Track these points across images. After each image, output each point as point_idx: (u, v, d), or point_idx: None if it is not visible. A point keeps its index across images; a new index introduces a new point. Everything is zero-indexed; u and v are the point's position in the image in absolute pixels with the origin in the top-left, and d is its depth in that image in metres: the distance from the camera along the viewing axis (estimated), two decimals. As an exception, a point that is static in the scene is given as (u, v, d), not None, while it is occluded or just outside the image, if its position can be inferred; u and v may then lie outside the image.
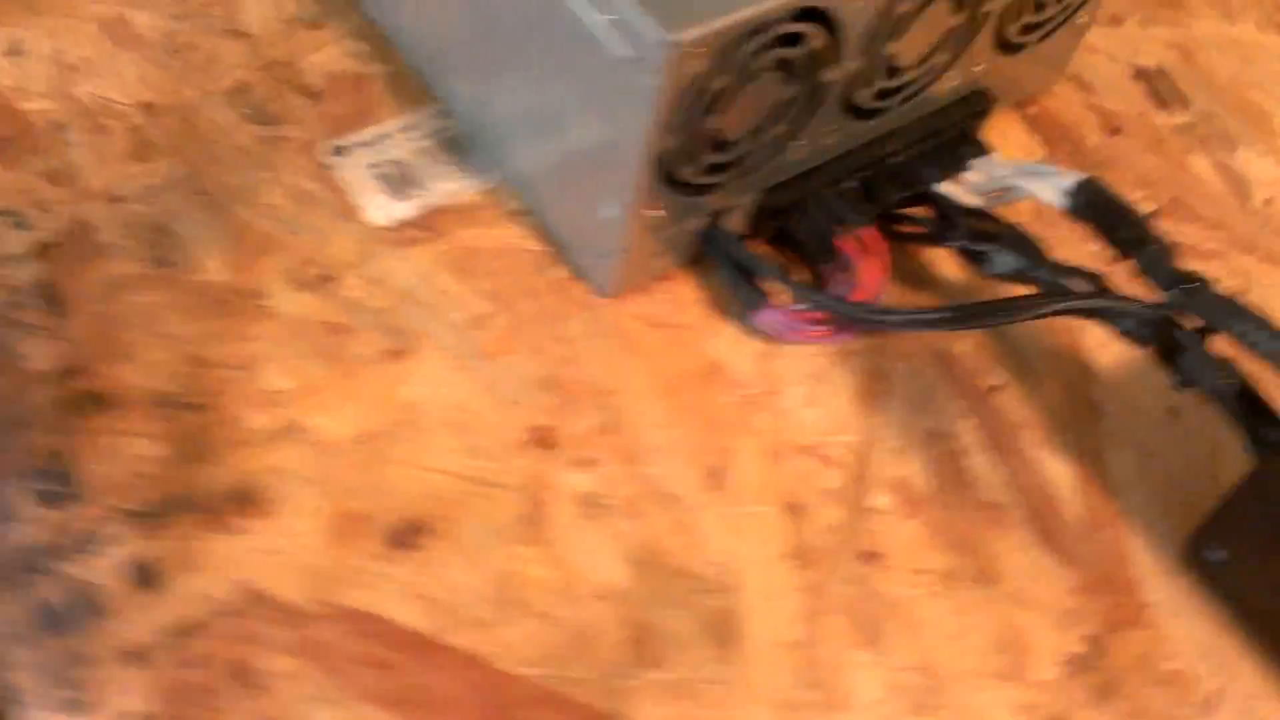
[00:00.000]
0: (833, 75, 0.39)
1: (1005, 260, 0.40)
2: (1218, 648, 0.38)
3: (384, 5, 0.48)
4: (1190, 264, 0.45)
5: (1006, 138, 0.50)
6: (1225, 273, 0.47)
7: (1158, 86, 0.53)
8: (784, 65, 0.37)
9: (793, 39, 0.37)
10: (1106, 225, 0.40)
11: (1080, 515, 0.40)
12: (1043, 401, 0.42)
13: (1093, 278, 0.40)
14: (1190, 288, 0.36)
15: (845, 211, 0.43)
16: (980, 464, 0.41)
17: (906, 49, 0.41)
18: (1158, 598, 0.39)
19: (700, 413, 0.40)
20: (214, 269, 0.41)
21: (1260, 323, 0.34)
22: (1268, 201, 0.50)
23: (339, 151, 0.45)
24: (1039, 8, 0.45)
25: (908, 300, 0.44)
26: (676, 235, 0.42)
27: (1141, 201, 0.49)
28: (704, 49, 0.34)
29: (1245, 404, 0.36)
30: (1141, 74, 0.54)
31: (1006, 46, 0.46)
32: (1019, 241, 0.41)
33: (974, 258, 0.42)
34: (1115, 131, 0.51)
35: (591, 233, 0.41)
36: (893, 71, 0.42)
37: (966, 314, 0.37)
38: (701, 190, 0.40)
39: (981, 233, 0.42)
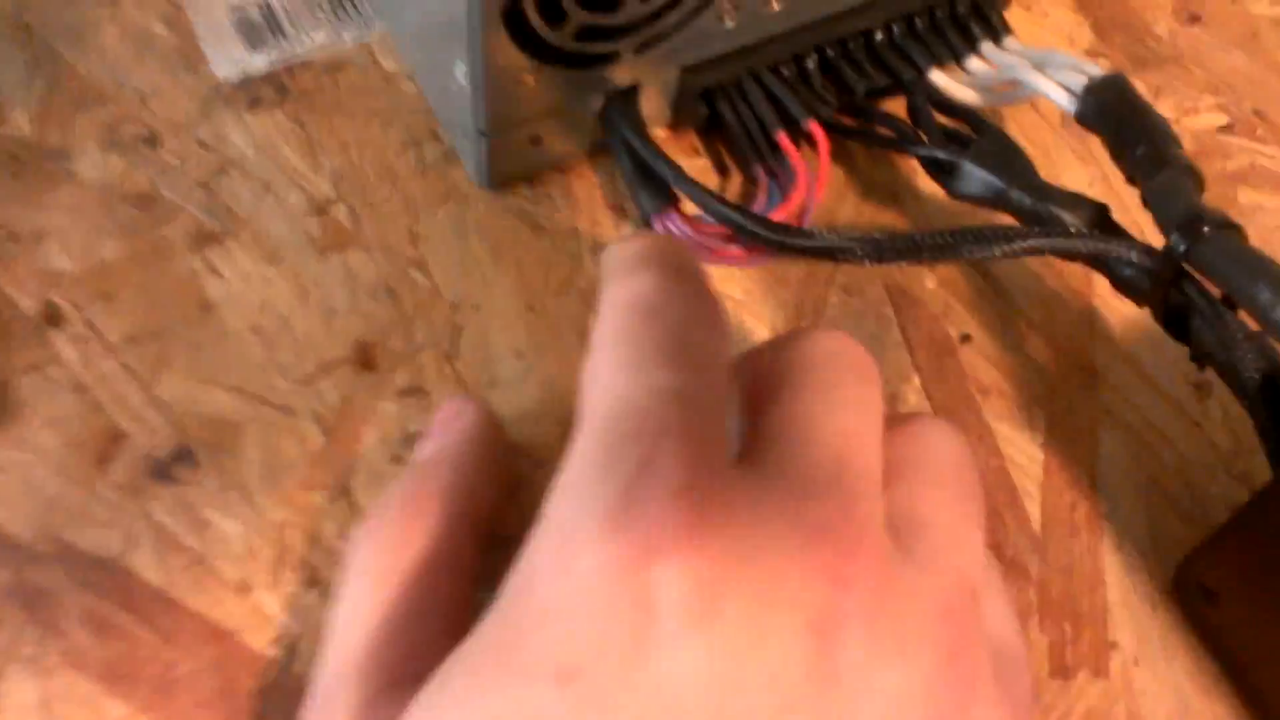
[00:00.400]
0: (756, -88, 0.29)
1: (976, 177, 0.30)
2: (1198, 713, 0.28)
3: None
4: (1259, 198, 0.35)
5: (1045, 18, 0.39)
6: (1306, 214, 0.36)
7: (1267, -36, 0.41)
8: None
9: None
10: (1118, 139, 0.30)
11: (1047, 515, 0.31)
12: (1024, 361, 0.33)
13: (1093, 208, 0.29)
14: (1199, 232, 0.26)
15: (791, 101, 0.34)
16: (920, 437, 0.31)
17: (872, -117, 0.31)
18: (1130, 637, 0.29)
19: (570, 342, 0.32)
20: (19, 121, 0.35)
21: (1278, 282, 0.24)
22: (1389, 122, 0.38)
23: (199, -11, 0.37)
24: None
25: (869, 219, 0.35)
26: (570, 116, 0.33)
27: (1211, 112, 0.37)
28: None
29: (1270, 397, 0.26)
30: (1248, -52, 0.42)
31: (1037, -106, 0.35)
32: (999, 153, 0.31)
33: (939, 171, 0.32)
34: (1194, 20, 0.40)
35: (455, 104, 0.33)
36: (856, -86, 0.32)
37: (882, 248, 0.27)
38: (586, 61, 0.31)
39: (957, 138, 0.32)
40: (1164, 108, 0.37)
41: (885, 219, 0.35)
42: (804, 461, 0.20)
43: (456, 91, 0.32)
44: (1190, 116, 0.37)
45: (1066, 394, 0.32)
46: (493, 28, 0.29)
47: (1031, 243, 0.27)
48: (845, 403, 0.22)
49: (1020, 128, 0.37)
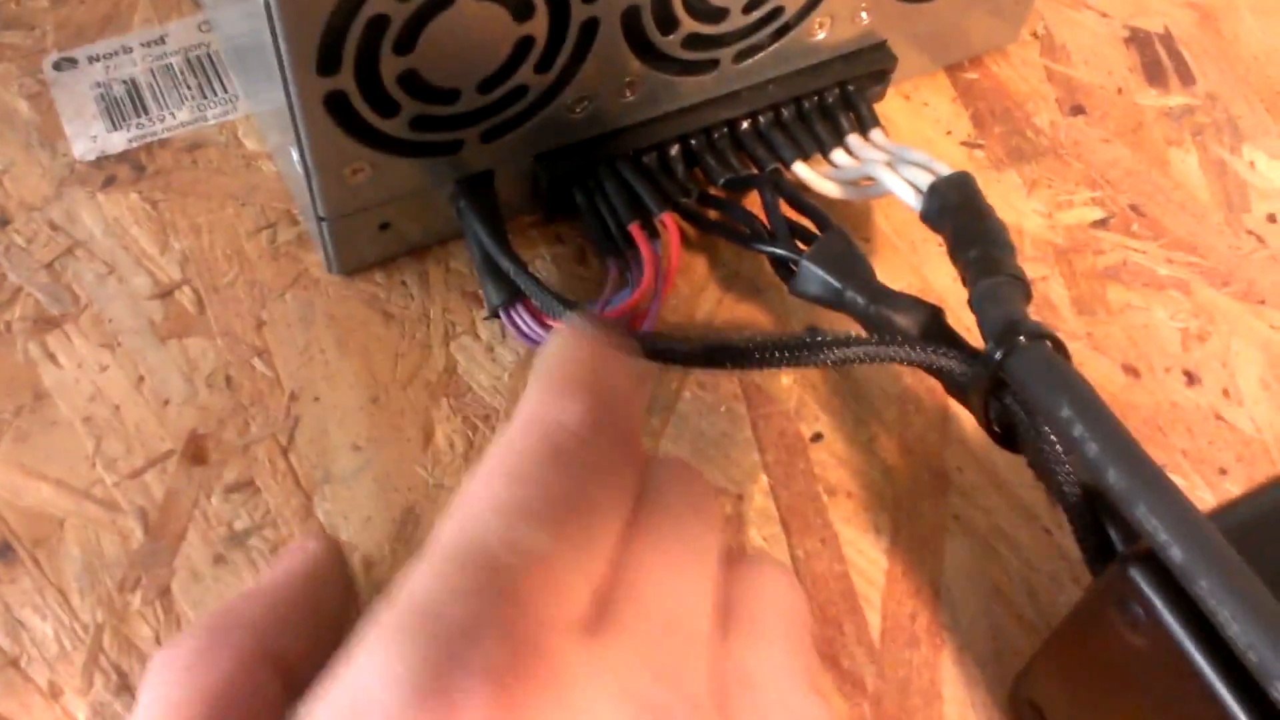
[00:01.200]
0: (593, 13, 0.29)
1: (814, 277, 0.30)
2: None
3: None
4: (1128, 296, 0.34)
5: (925, 108, 0.39)
6: (1179, 311, 0.35)
7: (1155, 55, 0.41)
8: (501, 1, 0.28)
9: (506, -46, 0.27)
10: (956, 240, 0.29)
11: (887, 624, 0.30)
12: (874, 461, 0.32)
13: (927, 311, 0.29)
14: (1014, 343, 0.25)
15: (646, 192, 0.33)
16: (761, 537, 0.31)
17: (716, -19, 0.31)
18: (966, 753, 0.28)
19: (411, 437, 0.31)
20: None
21: (1084, 407, 0.23)
22: (1270, 218, 0.37)
23: (61, 65, 0.37)
24: (942, -63, 0.34)
25: (729, 310, 0.34)
26: (422, 201, 0.33)
27: (1086, 206, 0.37)
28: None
29: (1089, 511, 0.25)
30: (1137, 38, 0.41)
31: (904, -11, 0.35)
32: (838, 254, 0.30)
33: (781, 268, 0.31)
34: (1077, 111, 0.39)
35: (300, 189, 0.32)
36: (704, 13, 0.31)
37: (713, 352, 0.27)
38: (428, 150, 0.31)
39: (807, 237, 0.32)
40: (1038, 201, 0.37)
41: (744, 311, 0.34)
42: (638, 632, 0.19)
43: (297, 177, 0.31)
44: (1064, 210, 0.37)
45: (915, 497, 0.31)
46: (316, 117, 0.28)
47: (856, 350, 0.27)
48: (682, 563, 0.21)
49: (890, 221, 0.36)
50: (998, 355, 0.25)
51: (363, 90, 0.28)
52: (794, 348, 0.26)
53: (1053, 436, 0.25)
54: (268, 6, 0.25)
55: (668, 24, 0.31)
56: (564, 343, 0.23)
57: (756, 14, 0.32)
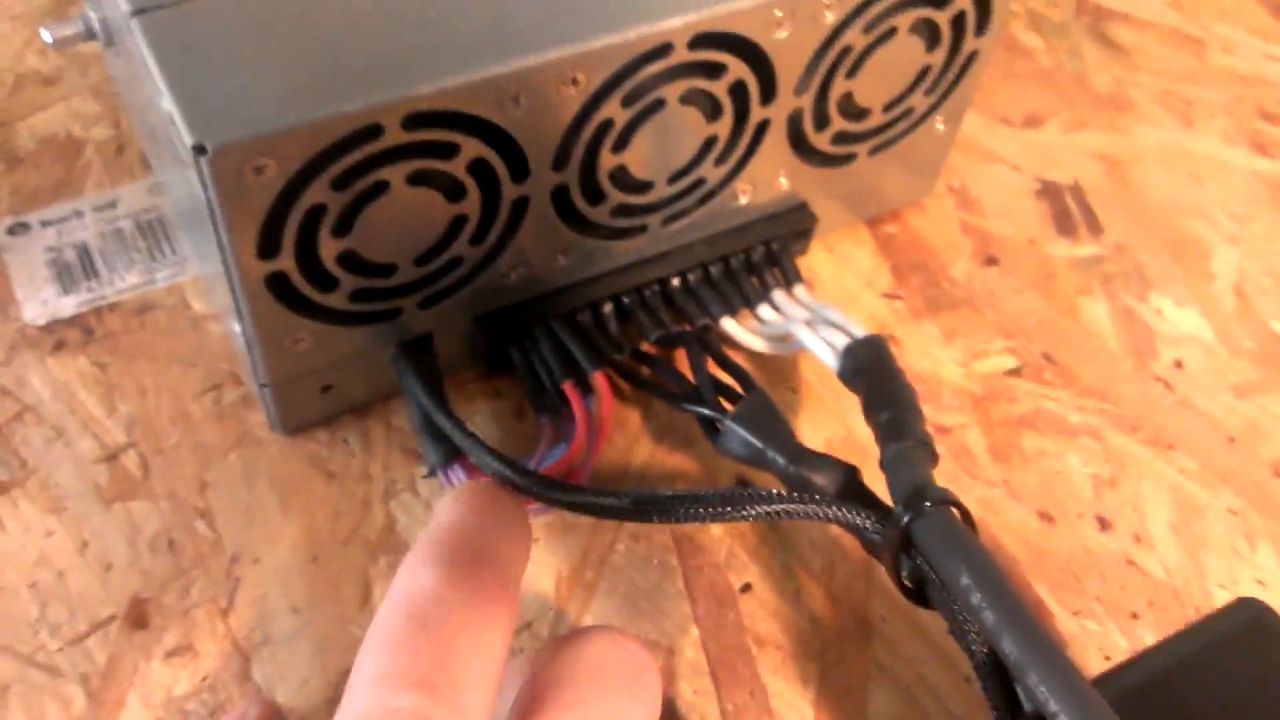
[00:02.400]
0: (523, 192, 0.31)
1: (736, 437, 0.31)
2: None
3: (108, 59, 0.41)
4: (1042, 443, 0.36)
5: (847, 260, 0.41)
6: (1091, 457, 0.37)
7: (1065, 207, 0.43)
8: (430, 180, 0.29)
9: (440, 149, 0.29)
10: (869, 401, 0.31)
11: (816, 774, 0.31)
12: (802, 611, 0.33)
13: (843, 470, 0.30)
14: (920, 507, 0.27)
15: (579, 351, 0.35)
16: (691, 691, 0.31)
17: (641, 162, 0.32)
18: None
19: (349, 596, 0.32)
20: None
21: (982, 576, 0.25)
22: (1176, 364, 0.39)
23: (14, 230, 0.38)
24: (855, 115, 0.36)
25: (660, 463, 0.36)
26: (363, 364, 0.34)
27: (1000, 355, 0.39)
28: (267, 158, 0.26)
29: (995, 671, 0.26)
30: (1048, 190, 0.44)
31: (819, 158, 0.37)
32: (759, 415, 0.31)
33: (707, 428, 0.33)
34: (991, 262, 0.41)
35: (242, 354, 0.33)
36: (630, 186, 0.33)
37: (640, 506, 0.28)
38: (367, 319, 0.32)
39: (732, 396, 0.33)
40: (955, 350, 0.39)
41: (675, 463, 0.36)
42: None
43: (240, 342, 0.32)
44: (980, 360, 0.39)
45: (840, 646, 0.32)
46: (257, 296, 0.29)
47: (777, 508, 0.28)
48: None
49: (815, 372, 0.38)
50: (905, 519, 0.27)
51: (302, 269, 0.29)
52: (718, 503, 0.28)
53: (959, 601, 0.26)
54: (208, 199, 0.26)
55: (596, 197, 0.33)
56: (439, 510, 0.25)
57: (681, 184, 0.34)
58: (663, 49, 0.30)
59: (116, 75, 0.41)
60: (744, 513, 0.28)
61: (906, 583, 0.28)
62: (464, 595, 0.23)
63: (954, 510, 0.27)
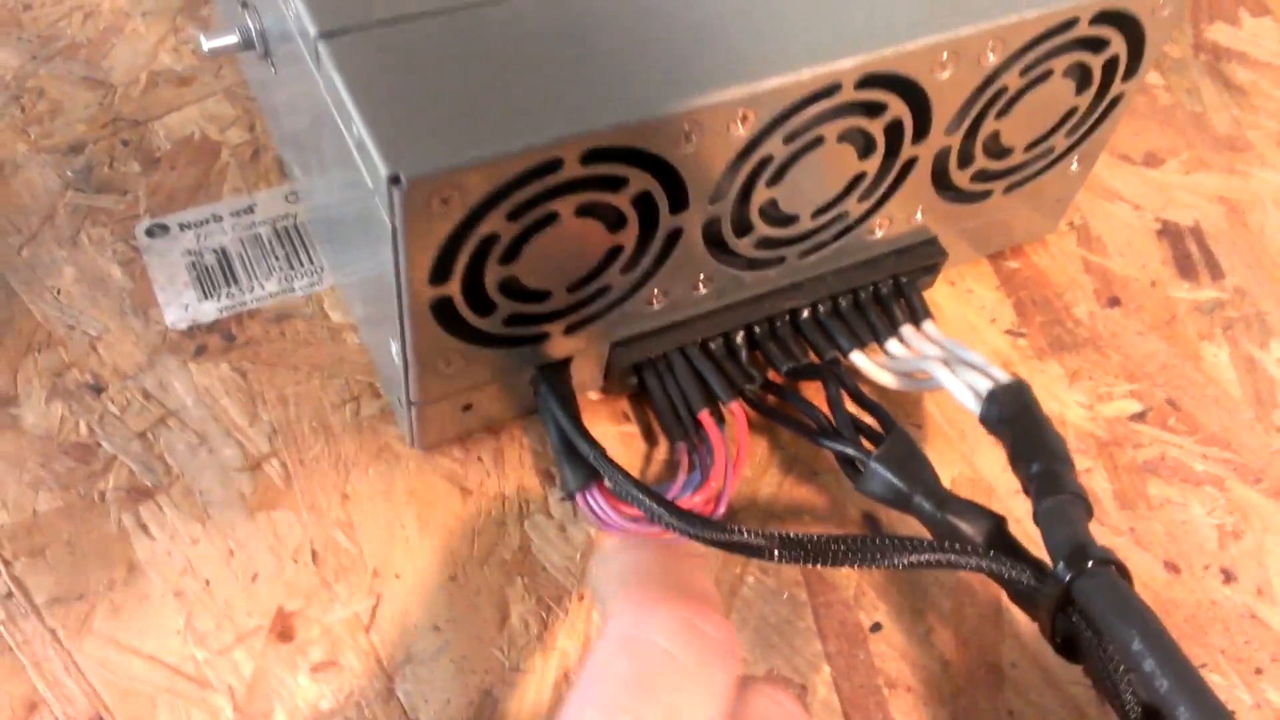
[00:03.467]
0: (678, 224, 0.31)
1: (880, 478, 0.32)
2: None
3: (248, 63, 0.42)
4: (1168, 492, 0.36)
5: (969, 295, 0.41)
6: (1215, 508, 0.37)
7: (1185, 249, 0.43)
8: (594, 211, 0.29)
9: (611, 182, 0.29)
10: (1015, 450, 0.31)
11: (945, 815, 0.31)
12: (932, 654, 0.33)
13: (990, 520, 0.30)
14: (1083, 566, 0.27)
15: (715, 380, 0.35)
16: (825, 729, 0.32)
17: (791, 197, 0.33)
18: None
19: (487, 617, 0.33)
20: (-32, 361, 0.36)
21: (1155, 642, 0.25)
22: (1298, 414, 0.39)
23: (153, 232, 0.39)
24: (998, 154, 0.36)
25: (789, 493, 0.36)
26: (502, 384, 0.34)
27: (1125, 399, 0.39)
28: (454, 190, 0.26)
29: (1151, 730, 0.27)
30: (1169, 231, 0.44)
31: (957, 194, 0.37)
32: (904, 457, 0.32)
33: (847, 466, 0.33)
34: (1113, 303, 0.41)
35: (392, 370, 0.34)
36: (777, 219, 0.33)
37: (791, 550, 0.28)
38: (516, 342, 0.33)
39: (868, 433, 0.33)
40: (1080, 392, 0.39)
41: (803, 494, 0.36)
42: None
43: (391, 363, 0.33)
44: (1105, 403, 0.39)
45: (971, 692, 0.33)
46: (422, 320, 0.30)
47: (930, 557, 0.28)
48: None
49: (940, 409, 0.38)
50: (1067, 577, 0.27)
51: (466, 295, 0.30)
52: (870, 550, 0.28)
53: (1118, 659, 0.26)
54: (394, 227, 0.27)
55: (744, 229, 0.33)
56: (646, 555, 0.25)
57: (824, 218, 0.35)
58: (831, 88, 0.30)
59: (259, 80, 0.41)
60: (899, 560, 0.28)
61: (1056, 637, 0.29)
62: (693, 652, 0.22)
63: (1116, 570, 0.27)
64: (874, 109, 0.32)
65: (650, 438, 0.37)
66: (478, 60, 0.28)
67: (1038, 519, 0.29)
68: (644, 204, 0.30)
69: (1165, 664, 0.24)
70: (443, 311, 0.30)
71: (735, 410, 0.35)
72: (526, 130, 0.27)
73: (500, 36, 0.28)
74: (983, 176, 0.37)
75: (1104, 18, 0.33)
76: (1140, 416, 0.39)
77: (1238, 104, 0.49)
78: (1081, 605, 0.27)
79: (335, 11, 0.28)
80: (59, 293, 0.37)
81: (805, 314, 0.37)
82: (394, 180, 0.25)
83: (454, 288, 0.29)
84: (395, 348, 0.32)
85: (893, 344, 0.37)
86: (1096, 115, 0.37)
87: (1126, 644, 0.25)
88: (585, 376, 0.36)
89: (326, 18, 0.28)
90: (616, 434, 0.37)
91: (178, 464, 0.34)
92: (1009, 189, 0.38)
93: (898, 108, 0.32)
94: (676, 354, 0.36)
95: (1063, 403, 0.39)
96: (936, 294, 0.41)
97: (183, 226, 0.39)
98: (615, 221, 0.30)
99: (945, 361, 0.35)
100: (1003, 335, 0.40)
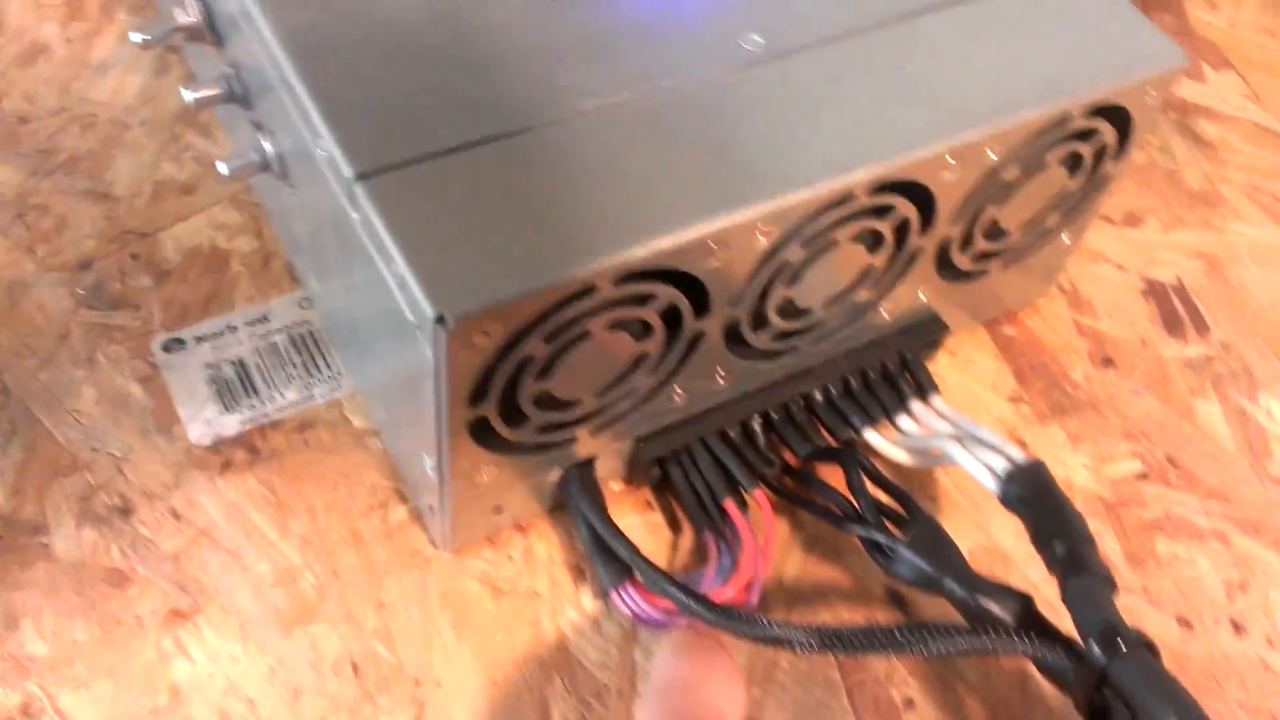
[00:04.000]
0: (701, 328, 0.32)
1: (910, 563, 0.33)
2: None
3: (262, 181, 0.42)
4: (1175, 548, 0.37)
5: (970, 364, 0.42)
6: (1221, 561, 0.38)
7: (1171, 306, 0.45)
8: (626, 327, 0.30)
9: (640, 299, 0.30)
10: (1037, 530, 0.32)
11: None
12: (962, 726, 0.34)
13: (1019, 600, 0.32)
14: (1117, 648, 0.28)
15: (737, 468, 0.36)
16: (867, 810, 0.33)
17: (805, 293, 0.34)
18: None
19: (530, 715, 0.33)
20: (-5, 490, 0.36)
21: (1187, 717, 0.26)
22: (1290, 464, 0.41)
23: (170, 347, 0.39)
24: (995, 236, 0.37)
25: (813, 574, 0.37)
26: (529, 487, 0.35)
27: (1127, 459, 0.40)
28: (496, 323, 0.27)
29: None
30: (1153, 290, 0.45)
31: (957, 274, 0.38)
32: (932, 542, 0.33)
33: (874, 550, 0.34)
34: (1107, 363, 0.43)
35: (421, 480, 0.34)
36: (792, 313, 0.34)
37: (823, 641, 0.29)
38: (544, 448, 0.33)
39: (894, 516, 0.34)
40: (1083, 454, 0.40)
41: (828, 574, 0.37)
42: None
43: (422, 474, 0.33)
44: (1108, 464, 0.40)
45: (1004, 762, 0.34)
46: (460, 440, 0.31)
47: (968, 643, 0.29)
48: None
49: (952, 478, 0.39)
50: (1103, 660, 0.28)
51: (500, 412, 0.31)
52: (909, 640, 0.29)
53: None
54: (436, 364, 0.27)
55: (761, 325, 0.34)
56: (658, 661, 0.26)
57: (835, 308, 0.36)
58: (845, 198, 0.31)
59: (269, 191, 0.42)
60: (938, 649, 0.29)
61: (1090, 714, 0.30)
62: None
63: (1148, 650, 0.28)
64: (883, 210, 0.33)
65: (675, 525, 0.38)
66: (511, 192, 0.29)
67: (1066, 600, 0.30)
68: (669, 313, 0.31)
69: (1205, 747, 0.25)
70: (478, 429, 0.31)
71: (759, 497, 0.36)
72: (564, 259, 0.28)
73: (531, 166, 0.29)
74: (981, 257, 0.38)
75: (1095, 111, 0.34)
76: (1143, 476, 0.40)
77: (1208, 159, 0.50)
78: (1118, 687, 0.28)
79: (368, 151, 0.29)
80: (80, 415, 0.37)
81: (818, 397, 0.38)
82: (439, 320, 0.26)
83: (491, 408, 0.30)
84: (430, 463, 0.32)
85: (904, 420, 0.38)
86: (1087, 194, 0.38)
87: (1166, 726, 0.26)
88: (609, 469, 0.37)
89: (361, 159, 0.28)
90: (642, 523, 0.38)
91: (212, 583, 0.35)
92: (1006, 265, 0.39)
93: (905, 209, 0.33)
94: (698, 444, 0.36)
95: (1068, 466, 0.40)
96: (940, 366, 0.42)
97: (199, 339, 0.39)
98: (642, 330, 0.31)
99: (959, 439, 0.36)
100: (1006, 402, 0.41)
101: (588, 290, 0.28)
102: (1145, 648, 0.28)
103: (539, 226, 0.28)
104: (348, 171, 0.28)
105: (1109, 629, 0.28)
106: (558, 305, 0.28)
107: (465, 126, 0.30)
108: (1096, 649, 0.28)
